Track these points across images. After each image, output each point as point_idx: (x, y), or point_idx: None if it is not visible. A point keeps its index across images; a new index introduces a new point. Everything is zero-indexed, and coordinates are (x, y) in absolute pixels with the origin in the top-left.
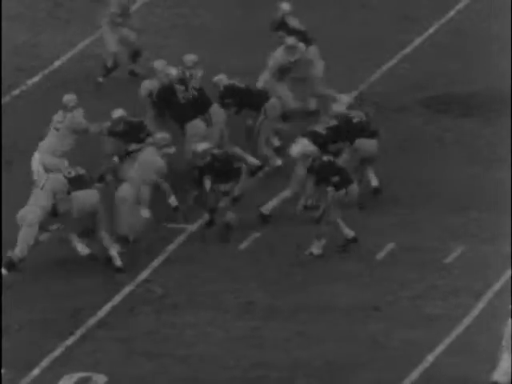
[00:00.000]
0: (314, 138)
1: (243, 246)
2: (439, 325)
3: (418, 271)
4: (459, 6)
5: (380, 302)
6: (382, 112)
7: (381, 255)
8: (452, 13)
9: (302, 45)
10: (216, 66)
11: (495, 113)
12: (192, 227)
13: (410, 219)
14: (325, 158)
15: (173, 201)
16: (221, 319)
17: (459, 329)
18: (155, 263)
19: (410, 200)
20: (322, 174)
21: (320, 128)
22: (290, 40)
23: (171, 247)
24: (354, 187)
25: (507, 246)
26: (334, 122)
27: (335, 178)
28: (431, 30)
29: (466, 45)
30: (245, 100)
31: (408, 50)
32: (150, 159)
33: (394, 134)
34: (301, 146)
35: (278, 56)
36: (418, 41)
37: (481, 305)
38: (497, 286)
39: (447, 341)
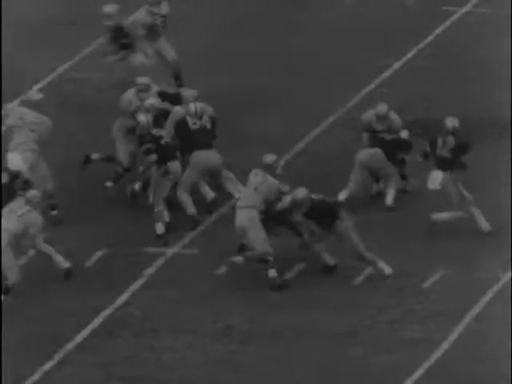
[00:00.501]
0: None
1: (222, 270)
2: (417, 349)
3: (395, 296)
4: (438, 31)
5: (358, 326)
6: (361, 137)
7: (359, 280)
8: (430, 37)
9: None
10: (203, 89)
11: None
12: (171, 251)
13: (389, 244)
14: (314, 197)
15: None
16: (200, 343)
17: (437, 353)
18: (134, 286)
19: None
20: (316, 215)
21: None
22: (381, 108)
23: (150, 271)
24: (339, 223)
25: (486, 272)
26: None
27: (326, 219)
28: (410, 55)
29: (444, 69)
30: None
31: (387, 74)
32: (272, 183)
33: None
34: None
35: (367, 118)
36: (396, 65)
37: (459, 329)
38: (475, 311)
39: (426, 365)
